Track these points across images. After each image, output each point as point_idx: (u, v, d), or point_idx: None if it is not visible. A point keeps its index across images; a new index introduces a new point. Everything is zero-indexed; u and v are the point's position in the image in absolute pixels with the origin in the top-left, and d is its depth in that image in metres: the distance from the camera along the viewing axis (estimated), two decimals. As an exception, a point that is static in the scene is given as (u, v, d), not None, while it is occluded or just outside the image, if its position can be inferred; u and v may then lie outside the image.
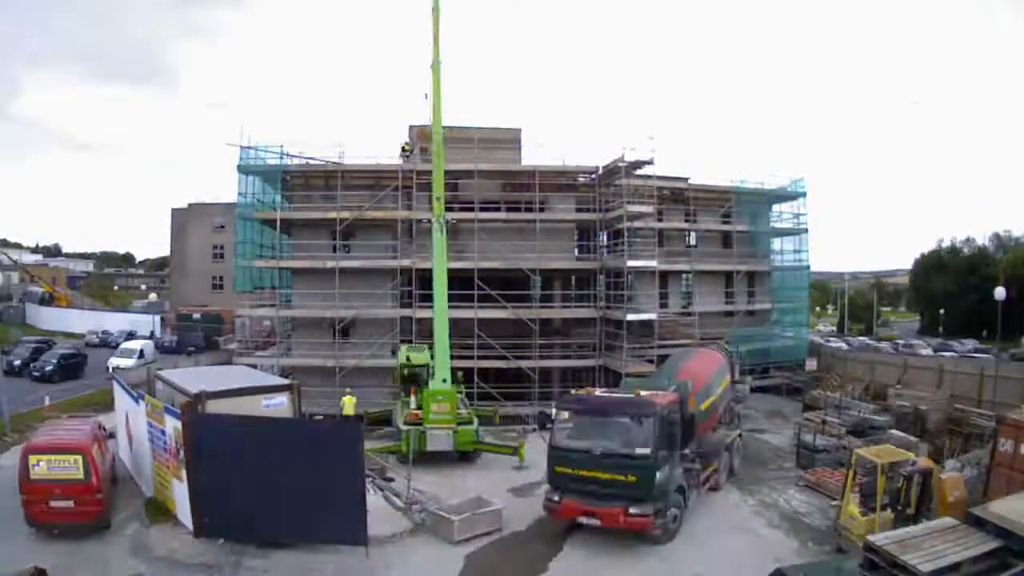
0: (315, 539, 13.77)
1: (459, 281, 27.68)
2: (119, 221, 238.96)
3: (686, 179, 31.63)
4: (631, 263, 27.16)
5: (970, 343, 49.26)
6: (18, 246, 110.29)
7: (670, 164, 31.06)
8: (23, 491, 13.44)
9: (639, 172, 27.51)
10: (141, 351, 36.87)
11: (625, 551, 14.04)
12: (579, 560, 13.92)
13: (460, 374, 24.59)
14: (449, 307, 27.42)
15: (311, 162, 28.88)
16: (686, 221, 31.92)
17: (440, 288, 20.85)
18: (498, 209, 28.94)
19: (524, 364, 27.57)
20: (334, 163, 28.06)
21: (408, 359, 23.11)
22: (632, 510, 13.63)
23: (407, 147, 29.41)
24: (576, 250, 31.69)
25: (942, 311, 60.55)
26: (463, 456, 20.58)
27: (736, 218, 33.07)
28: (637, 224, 27.93)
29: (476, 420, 21.75)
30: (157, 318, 52.72)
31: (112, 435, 18.41)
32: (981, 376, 23.41)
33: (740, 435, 20.40)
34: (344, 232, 27.99)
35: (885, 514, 13.25)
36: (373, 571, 13.16)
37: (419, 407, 20.99)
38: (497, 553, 14.25)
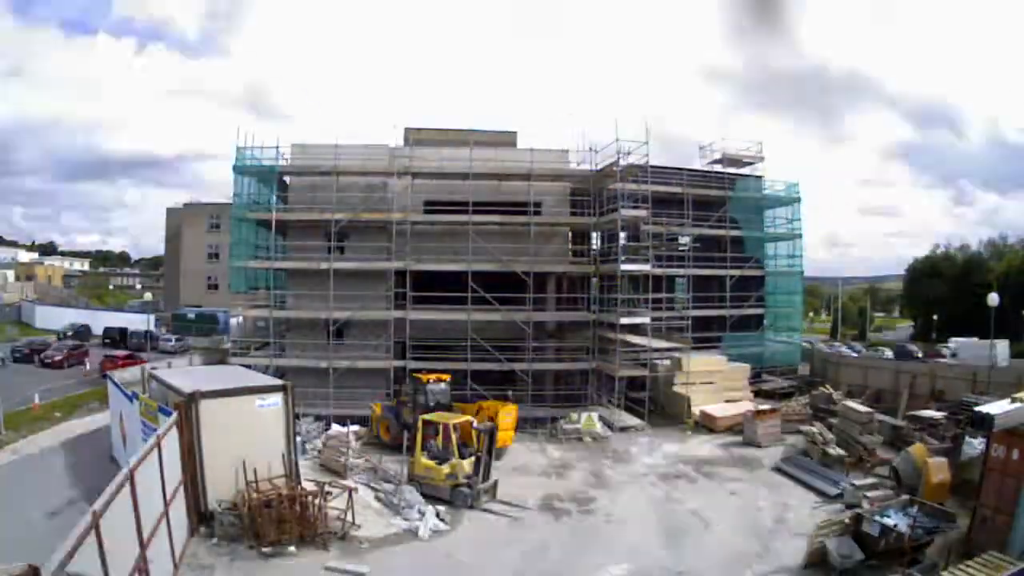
0: None
1: (453, 283, 27.81)
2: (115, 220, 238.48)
3: (681, 176, 31.85)
4: (625, 267, 27.25)
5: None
6: (14, 244, 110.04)
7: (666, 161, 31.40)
8: None
9: (634, 173, 27.59)
10: None
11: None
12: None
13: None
14: (443, 309, 27.72)
15: (306, 163, 28.94)
16: (680, 225, 32.01)
17: None
18: (492, 211, 28.97)
19: (517, 367, 27.64)
20: (329, 164, 28.12)
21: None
22: None
23: None
24: (570, 253, 31.76)
25: (935, 317, 60.70)
26: None
27: (730, 223, 33.15)
28: (631, 228, 27.99)
29: None
30: (152, 317, 52.62)
31: None
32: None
33: None
34: (339, 234, 28.01)
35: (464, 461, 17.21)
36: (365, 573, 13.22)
37: None
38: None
